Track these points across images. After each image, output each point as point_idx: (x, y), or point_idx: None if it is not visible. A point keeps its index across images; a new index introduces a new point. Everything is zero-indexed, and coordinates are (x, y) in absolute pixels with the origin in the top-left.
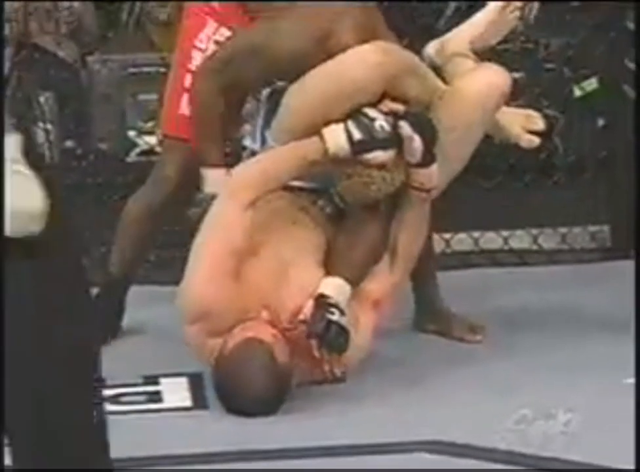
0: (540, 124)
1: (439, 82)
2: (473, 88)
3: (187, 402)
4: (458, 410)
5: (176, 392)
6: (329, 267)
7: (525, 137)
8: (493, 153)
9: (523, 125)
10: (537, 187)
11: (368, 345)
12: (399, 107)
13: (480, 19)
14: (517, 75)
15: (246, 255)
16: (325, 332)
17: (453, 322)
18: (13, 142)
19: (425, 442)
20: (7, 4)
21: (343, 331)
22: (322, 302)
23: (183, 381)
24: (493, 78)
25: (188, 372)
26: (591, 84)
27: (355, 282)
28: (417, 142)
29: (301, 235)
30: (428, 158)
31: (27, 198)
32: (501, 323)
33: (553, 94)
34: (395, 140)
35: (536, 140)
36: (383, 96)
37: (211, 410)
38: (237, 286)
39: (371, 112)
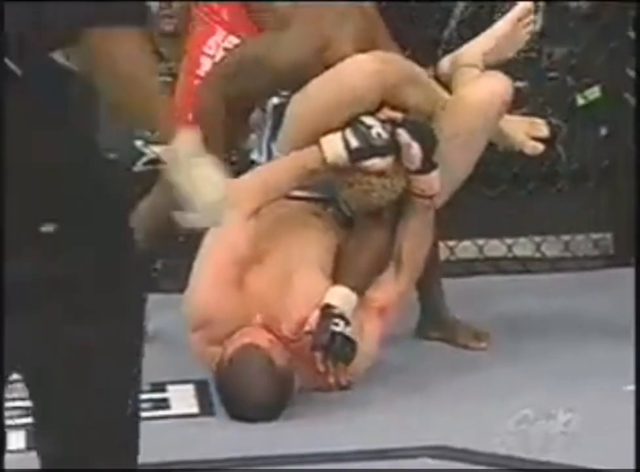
0: (544, 130)
1: (442, 93)
2: (476, 96)
3: (194, 409)
4: (461, 415)
5: (182, 399)
6: (335, 275)
7: (529, 144)
8: (497, 161)
9: (527, 132)
10: (540, 195)
11: (374, 353)
12: (397, 115)
13: (493, 33)
14: (520, 83)
15: (250, 263)
16: (330, 343)
17: (457, 329)
18: (189, 137)
19: (429, 447)
20: None
21: (348, 341)
22: (327, 313)
23: (190, 388)
24: (495, 86)
25: (195, 379)
26: (594, 92)
27: (360, 290)
28: (415, 149)
29: (312, 236)
30: (427, 165)
31: (214, 189)
32: (504, 330)
33: (556, 102)
34: (392, 147)
35: (540, 147)
36: (382, 104)
37: (217, 417)
38: (240, 294)
39: (368, 120)
